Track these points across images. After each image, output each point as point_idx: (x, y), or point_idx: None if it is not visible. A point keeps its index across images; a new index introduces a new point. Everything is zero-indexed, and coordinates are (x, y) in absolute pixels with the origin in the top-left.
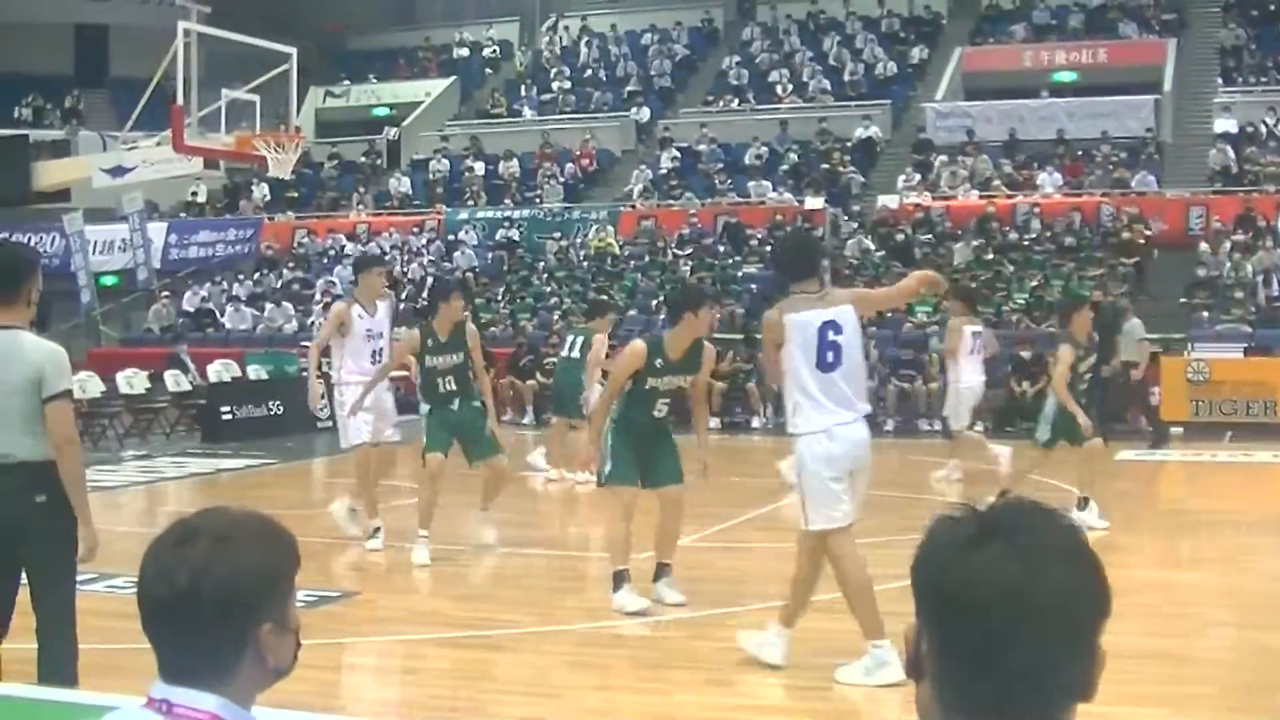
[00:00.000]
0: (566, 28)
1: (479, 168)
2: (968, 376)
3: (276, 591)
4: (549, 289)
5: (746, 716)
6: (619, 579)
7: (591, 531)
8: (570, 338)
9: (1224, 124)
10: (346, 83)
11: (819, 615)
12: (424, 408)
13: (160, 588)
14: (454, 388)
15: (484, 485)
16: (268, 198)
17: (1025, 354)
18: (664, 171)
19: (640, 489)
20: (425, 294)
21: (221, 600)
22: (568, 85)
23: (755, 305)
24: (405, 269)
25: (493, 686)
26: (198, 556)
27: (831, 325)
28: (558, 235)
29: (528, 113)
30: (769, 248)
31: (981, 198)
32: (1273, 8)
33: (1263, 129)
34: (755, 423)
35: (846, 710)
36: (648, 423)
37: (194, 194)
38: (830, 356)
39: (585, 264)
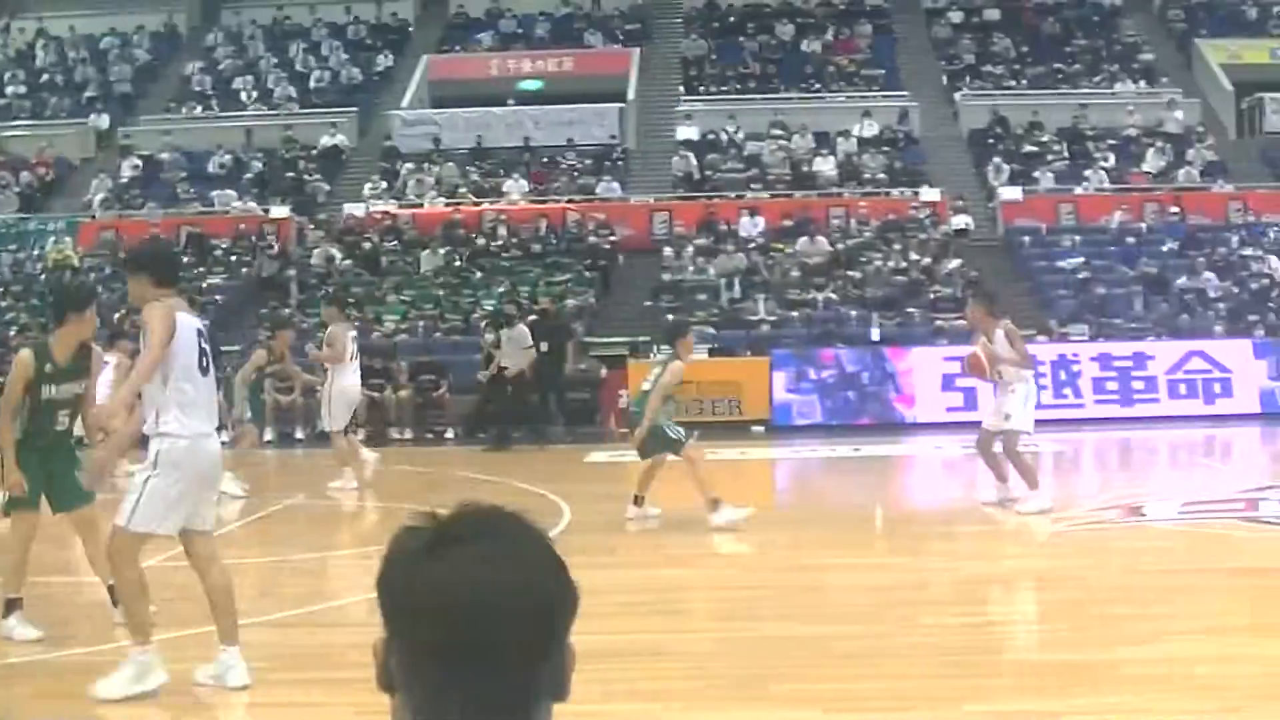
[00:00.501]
0: (21, 29)
1: None
2: (350, 378)
3: None
4: (4, 303)
5: None
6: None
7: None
8: None
9: (686, 132)
10: None
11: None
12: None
13: None
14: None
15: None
16: None
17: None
18: (125, 180)
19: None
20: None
21: None
22: (23, 90)
23: (221, 316)
24: None
25: None
26: None
27: (203, 334)
28: (14, 247)
29: None
30: (234, 258)
31: (449, 205)
32: (732, 20)
33: (724, 136)
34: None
35: None
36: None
37: None
38: (205, 362)
39: (43, 277)
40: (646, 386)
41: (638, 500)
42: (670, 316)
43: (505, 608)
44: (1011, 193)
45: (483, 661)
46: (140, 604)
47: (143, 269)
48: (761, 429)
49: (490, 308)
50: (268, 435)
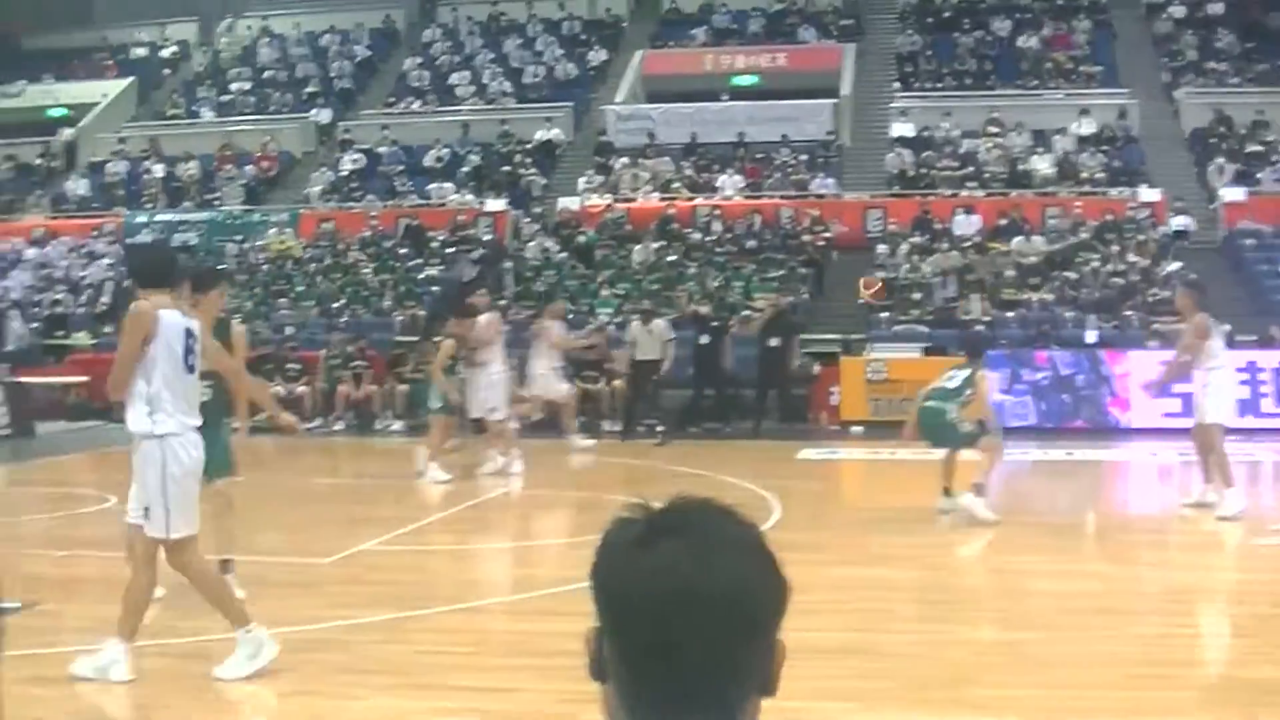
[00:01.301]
0: (248, 27)
1: (158, 170)
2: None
3: None
4: (231, 292)
5: None
6: None
7: (279, 536)
8: None
9: (901, 128)
10: (21, 82)
11: (513, 617)
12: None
13: None
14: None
15: None
16: None
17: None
18: (345, 173)
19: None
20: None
21: None
22: (247, 86)
23: (437, 307)
24: (84, 274)
25: (192, 696)
26: None
27: (190, 333)
28: (238, 238)
29: (207, 114)
30: (450, 250)
31: (662, 200)
32: (948, 15)
33: (938, 134)
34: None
35: (536, 711)
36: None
37: None
38: (191, 360)
39: (265, 267)
40: (951, 386)
41: (947, 492)
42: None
43: (715, 600)
44: (1234, 194)
45: (691, 653)
46: (141, 605)
47: (130, 274)
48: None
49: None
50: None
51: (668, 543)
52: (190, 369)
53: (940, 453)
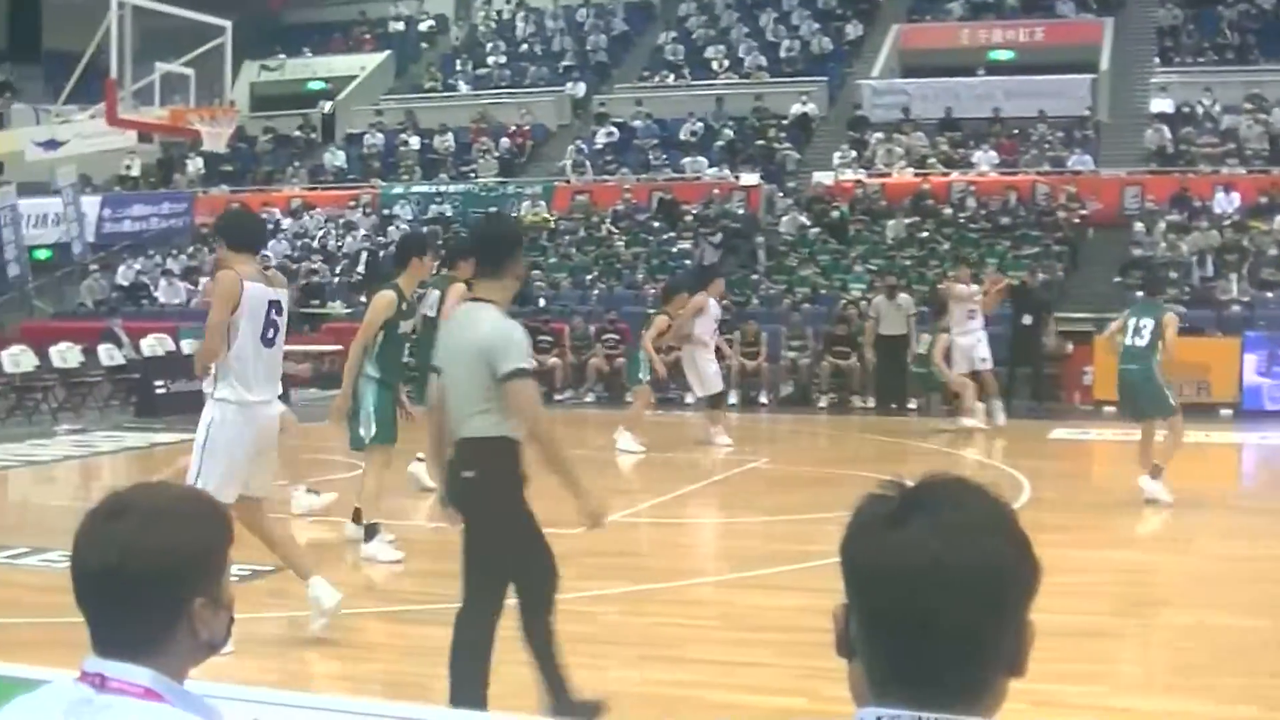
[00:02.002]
0: (505, 1)
1: (414, 142)
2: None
3: (208, 567)
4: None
5: (683, 692)
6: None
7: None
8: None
9: (1160, 104)
10: (281, 56)
11: (756, 591)
12: (369, 384)
13: (92, 562)
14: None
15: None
16: (202, 171)
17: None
18: (599, 147)
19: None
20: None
21: (153, 574)
22: (503, 60)
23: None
24: (340, 243)
25: (438, 661)
26: (128, 530)
27: (276, 305)
28: (492, 210)
29: (463, 87)
30: (702, 226)
31: (917, 175)
32: None
33: (1199, 109)
34: (689, 399)
35: (777, 686)
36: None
37: (128, 167)
38: (271, 333)
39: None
40: (1142, 343)
41: (1154, 473)
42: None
43: (965, 579)
44: None
45: (941, 632)
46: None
47: (219, 234)
48: (1230, 412)
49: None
50: (732, 398)
51: (919, 520)
52: (268, 342)
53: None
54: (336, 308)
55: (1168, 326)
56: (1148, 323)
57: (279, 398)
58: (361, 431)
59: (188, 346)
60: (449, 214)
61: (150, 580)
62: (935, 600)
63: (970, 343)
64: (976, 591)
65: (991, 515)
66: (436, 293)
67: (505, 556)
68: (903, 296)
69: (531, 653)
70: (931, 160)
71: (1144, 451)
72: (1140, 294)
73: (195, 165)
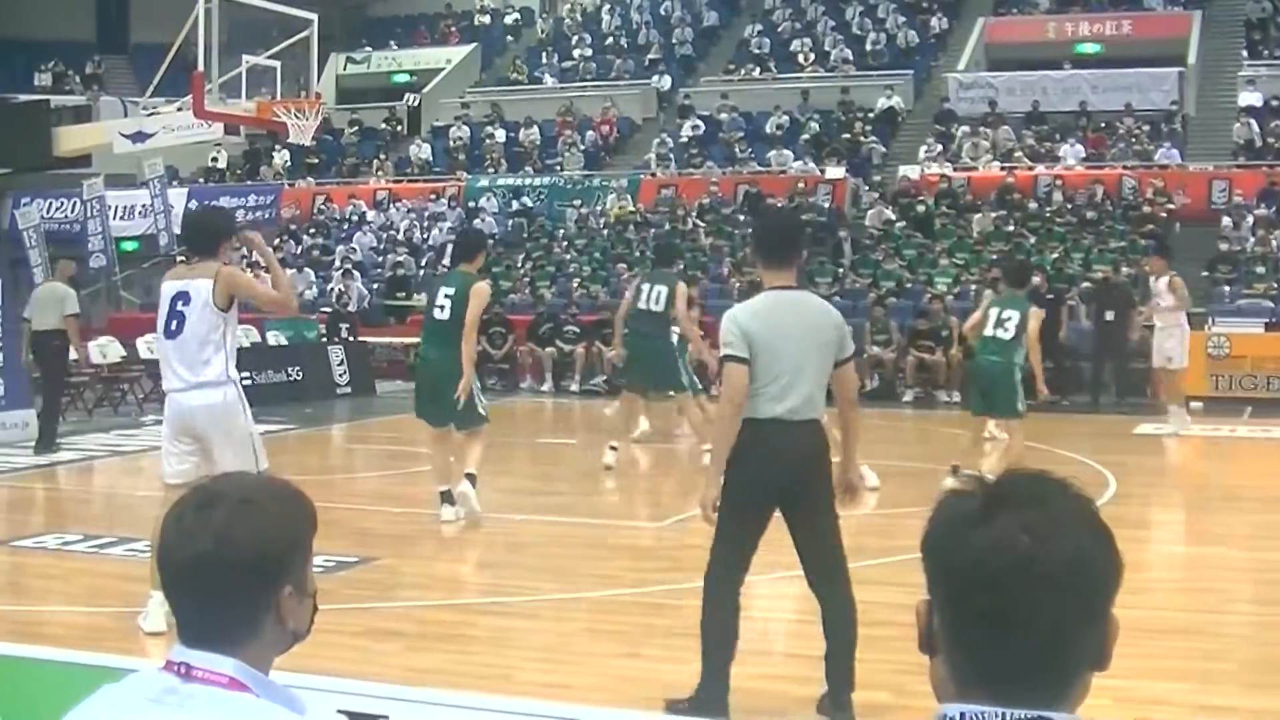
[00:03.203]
0: None
1: (500, 135)
2: None
3: (297, 555)
4: (569, 256)
5: (768, 685)
6: None
7: (615, 500)
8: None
9: (1248, 97)
10: (368, 49)
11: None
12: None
13: (183, 551)
14: None
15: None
16: (288, 164)
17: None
18: (684, 140)
19: None
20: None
21: (245, 563)
22: (589, 53)
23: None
24: (425, 236)
25: (516, 653)
26: (220, 520)
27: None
28: (578, 203)
29: (549, 80)
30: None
31: (1003, 169)
32: None
33: None
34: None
35: (861, 681)
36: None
37: (214, 160)
38: (174, 324)
39: (605, 231)
40: (1007, 336)
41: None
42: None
43: (1052, 576)
44: None
45: (1028, 629)
46: None
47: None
48: None
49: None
50: None
51: (1005, 516)
52: (167, 334)
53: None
54: (422, 300)
55: (1032, 319)
56: (1012, 315)
57: None
58: (481, 410)
59: (274, 338)
60: (535, 206)
61: (243, 569)
62: (1023, 598)
63: (1161, 339)
64: (1064, 588)
65: (1077, 511)
66: None
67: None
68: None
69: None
70: (1018, 154)
71: (974, 446)
72: (1003, 285)
73: (281, 158)
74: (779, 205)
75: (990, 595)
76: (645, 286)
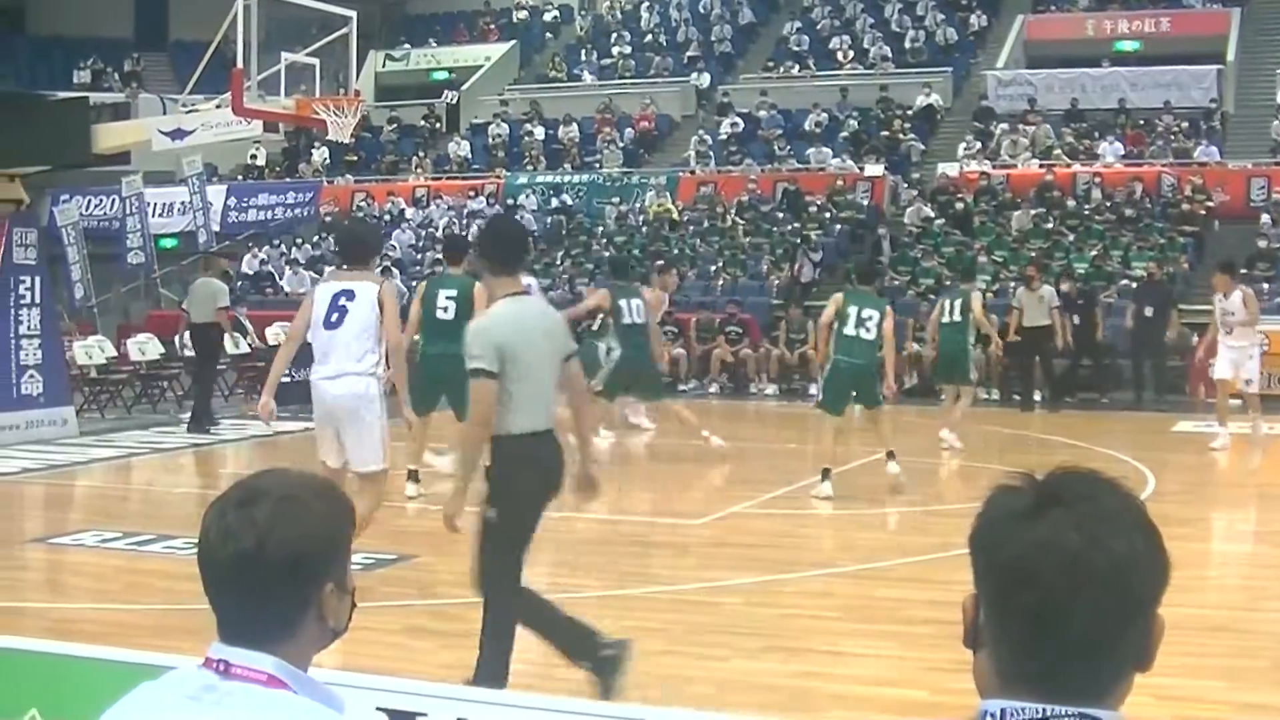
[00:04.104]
0: None
1: (539, 132)
2: None
3: (338, 552)
4: (608, 254)
5: (804, 683)
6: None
7: (653, 497)
8: (947, 301)
9: None
10: (406, 46)
11: (879, 583)
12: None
13: (225, 548)
14: None
15: None
16: (327, 161)
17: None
18: (723, 137)
19: None
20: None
21: (287, 561)
22: (628, 50)
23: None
24: (464, 233)
25: (550, 650)
26: (263, 517)
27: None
28: (616, 200)
29: (588, 77)
30: (828, 214)
31: (1042, 166)
32: None
33: None
34: (812, 389)
35: (898, 679)
36: None
37: (253, 157)
38: (335, 318)
39: (644, 229)
40: (869, 336)
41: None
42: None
43: (1104, 575)
44: None
45: (1076, 628)
46: None
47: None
48: None
49: (1082, 271)
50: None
51: (1055, 514)
52: (327, 325)
53: None
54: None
55: (887, 317)
56: (871, 314)
57: None
58: None
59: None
60: (574, 203)
61: (285, 566)
62: (1074, 597)
63: (1239, 358)
64: (1115, 588)
65: (1127, 510)
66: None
67: None
68: (1045, 288)
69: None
70: (1056, 151)
71: (828, 449)
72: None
73: (320, 155)
74: (502, 212)
75: (1039, 592)
76: (623, 302)
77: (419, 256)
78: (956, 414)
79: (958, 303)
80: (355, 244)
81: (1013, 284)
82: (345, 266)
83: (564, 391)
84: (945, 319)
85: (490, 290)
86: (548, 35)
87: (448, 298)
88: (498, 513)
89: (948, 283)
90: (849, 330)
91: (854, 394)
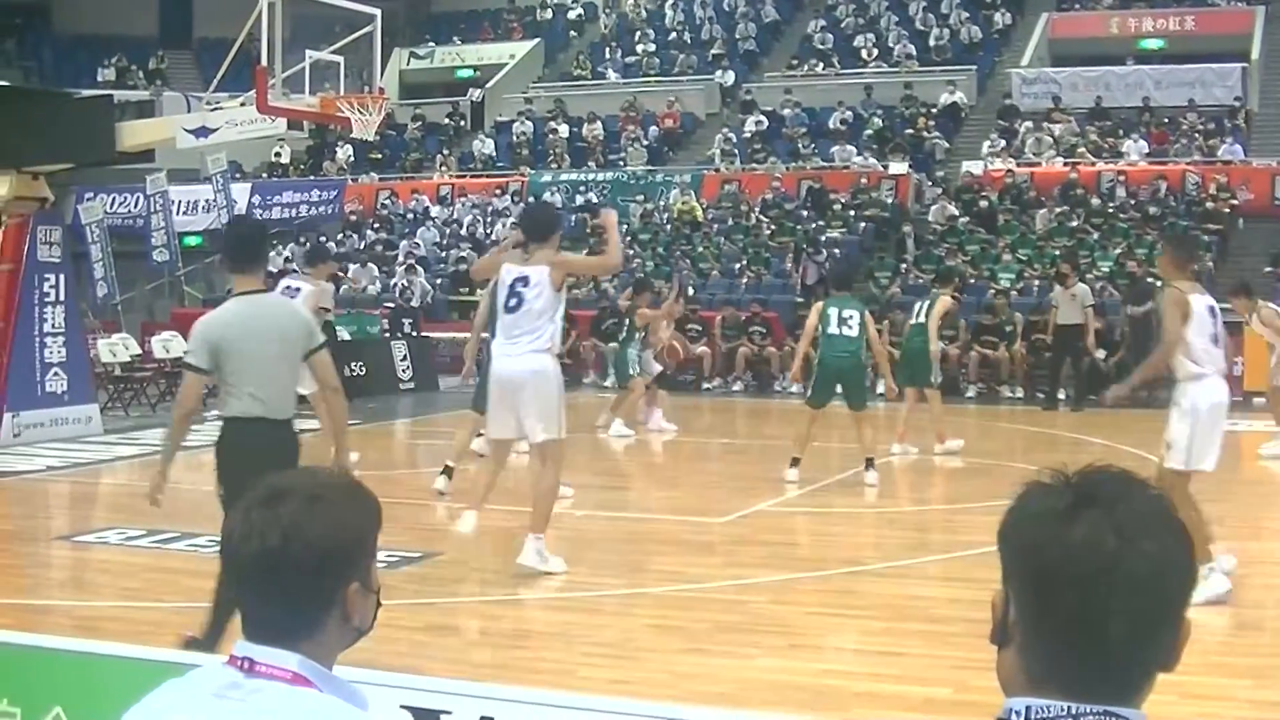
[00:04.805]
0: None
1: (563, 130)
2: None
3: (364, 551)
4: (632, 252)
5: (830, 681)
6: None
7: (677, 495)
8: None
9: None
10: (431, 44)
11: (904, 581)
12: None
13: (251, 546)
14: None
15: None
16: (351, 159)
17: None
18: (748, 135)
19: None
20: None
21: (312, 559)
22: (653, 48)
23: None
24: (489, 231)
25: (578, 649)
26: (290, 515)
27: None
28: (641, 198)
29: (612, 75)
30: (852, 212)
31: (1066, 165)
32: None
33: None
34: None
35: (924, 677)
36: None
37: (278, 155)
38: (513, 302)
39: (669, 227)
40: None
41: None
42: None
43: (1140, 578)
44: None
45: (1106, 626)
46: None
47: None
48: None
49: (1106, 270)
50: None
51: (1093, 515)
52: (506, 310)
53: None
54: (485, 295)
55: (869, 320)
56: (851, 314)
57: None
58: None
59: (346, 332)
60: (598, 201)
61: (311, 564)
62: (1107, 597)
63: None
64: (1147, 590)
65: (1160, 512)
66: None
67: None
68: (1080, 286)
69: None
70: (1081, 150)
71: (801, 441)
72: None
73: (345, 153)
74: (243, 214)
75: (1075, 593)
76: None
77: (443, 254)
78: (905, 424)
79: (926, 305)
80: (535, 223)
81: (1037, 282)
82: (529, 245)
83: (317, 384)
84: (914, 320)
85: (237, 287)
86: (572, 33)
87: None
88: (221, 490)
89: (971, 281)
90: (832, 329)
91: (839, 389)
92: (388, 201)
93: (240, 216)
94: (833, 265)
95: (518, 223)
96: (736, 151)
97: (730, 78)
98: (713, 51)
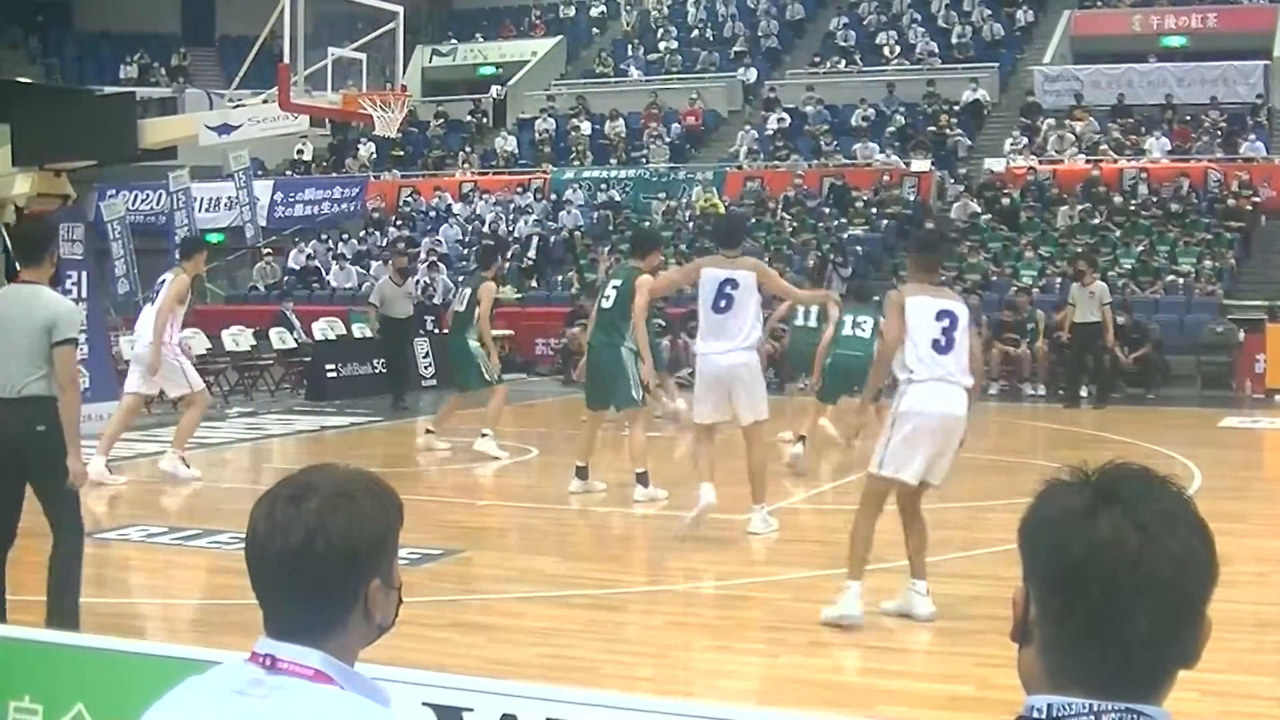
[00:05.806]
0: None
1: (585, 127)
2: None
3: (386, 548)
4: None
5: (852, 678)
6: None
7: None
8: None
9: None
10: (453, 42)
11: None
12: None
13: (274, 543)
14: None
15: None
16: (374, 156)
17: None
18: (770, 132)
19: None
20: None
21: (336, 556)
22: (675, 45)
23: (860, 267)
24: (511, 228)
25: (601, 646)
26: (313, 512)
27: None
28: (663, 195)
29: (634, 72)
30: (874, 210)
31: (1088, 162)
32: None
33: None
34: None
35: (945, 673)
36: None
37: (300, 152)
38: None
39: (691, 224)
40: (865, 335)
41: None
42: None
43: (1163, 577)
44: None
45: (1129, 624)
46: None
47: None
48: None
49: (1128, 267)
50: None
51: (1115, 513)
52: (716, 310)
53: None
54: (507, 292)
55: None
56: (865, 319)
57: None
58: (634, 394)
59: (359, 330)
60: (620, 199)
61: (334, 562)
62: (1135, 597)
63: None
64: (1169, 588)
65: (1182, 510)
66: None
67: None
68: (1098, 284)
69: None
70: (1103, 147)
71: (810, 423)
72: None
73: (367, 150)
74: (36, 216)
75: (1098, 591)
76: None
77: (465, 252)
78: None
79: (865, 319)
80: (731, 231)
81: (1059, 280)
82: (723, 251)
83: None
84: (851, 331)
85: (21, 278)
86: (594, 30)
87: (613, 287)
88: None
89: (993, 278)
90: (845, 331)
91: (854, 387)
92: (410, 199)
93: (30, 216)
94: (852, 279)
95: (712, 230)
96: (759, 149)
97: (753, 75)
98: (735, 49)
